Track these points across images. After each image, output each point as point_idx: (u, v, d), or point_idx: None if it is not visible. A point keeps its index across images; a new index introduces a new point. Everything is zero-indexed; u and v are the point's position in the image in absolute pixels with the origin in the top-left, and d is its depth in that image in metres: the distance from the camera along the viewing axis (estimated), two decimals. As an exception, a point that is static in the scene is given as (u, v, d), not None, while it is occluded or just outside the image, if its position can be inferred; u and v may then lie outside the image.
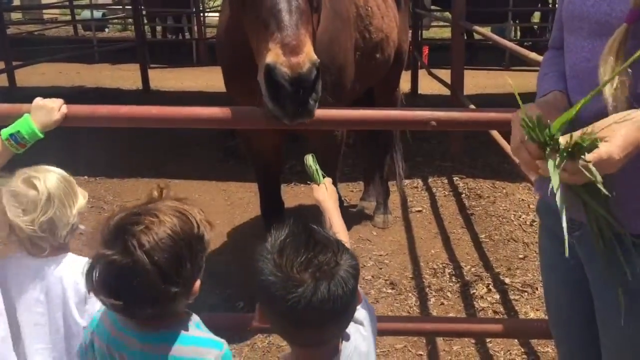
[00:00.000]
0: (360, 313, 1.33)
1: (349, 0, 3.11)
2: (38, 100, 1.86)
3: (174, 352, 1.29)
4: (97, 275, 1.24)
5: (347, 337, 1.26)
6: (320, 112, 1.84)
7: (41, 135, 1.82)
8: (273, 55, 1.86)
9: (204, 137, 6.54)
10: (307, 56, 1.85)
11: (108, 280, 1.23)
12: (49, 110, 1.83)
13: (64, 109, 1.85)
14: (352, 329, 1.28)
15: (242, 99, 2.80)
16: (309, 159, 1.74)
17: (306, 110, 1.87)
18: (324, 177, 1.72)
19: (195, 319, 1.39)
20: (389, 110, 1.83)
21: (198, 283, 1.32)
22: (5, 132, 1.76)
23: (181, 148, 6.26)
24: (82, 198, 1.77)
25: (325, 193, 1.67)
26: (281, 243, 1.17)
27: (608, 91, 1.22)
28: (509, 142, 4.46)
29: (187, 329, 1.34)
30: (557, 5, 1.59)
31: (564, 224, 1.19)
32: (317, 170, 1.73)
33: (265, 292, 1.15)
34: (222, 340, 1.37)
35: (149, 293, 1.22)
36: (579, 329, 1.57)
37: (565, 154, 1.14)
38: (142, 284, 1.20)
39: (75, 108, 1.84)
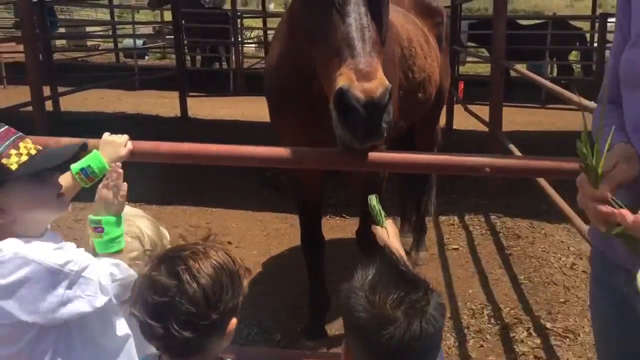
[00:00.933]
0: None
1: (394, 41, 3.17)
2: (106, 136, 1.93)
3: None
4: (140, 297, 1.28)
5: None
6: (376, 155, 1.87)
7: (108, 169, 1.89)
8: (346, 79, 1.88)
9: (242, 166, 6.62)
10: (380, 81, 1.87)
11: (151, 301, 1.25)
12: (116, 146, 1.90)
13: (130, 144, 1.92)
14: None
15: (288, 131, 2.85)
16: (373, 200, 1.74)
17: (378, 132, 1.87)
18: (386, 218, 1.73)
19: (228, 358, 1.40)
20: (444, 156, 1.85)
21: (234, 321, 1.32)
22: (76, 167, 1.83)
23: (219, 177, 6.35)
24: (166, 233, 1.84)
25: (386, 235, 1.69)
26: (372, 280, 1.20)
27: None
28: (547, 181, 4.40)
29: None
30: (609, 61, 1.58)
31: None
32: (380, 211, 1.73)
33: (356, 328, 1.18)
34: None
35: (190, 315, 1.23)
36: None
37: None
38: (184, 306, 1.23)
39: (139, 144, 1.91)
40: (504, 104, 6.87)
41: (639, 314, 1.43)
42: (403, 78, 3.30)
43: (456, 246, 4.75)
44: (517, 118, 9.62)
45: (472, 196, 5.88)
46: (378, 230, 1.72)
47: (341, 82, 1.89)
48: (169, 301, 1.24)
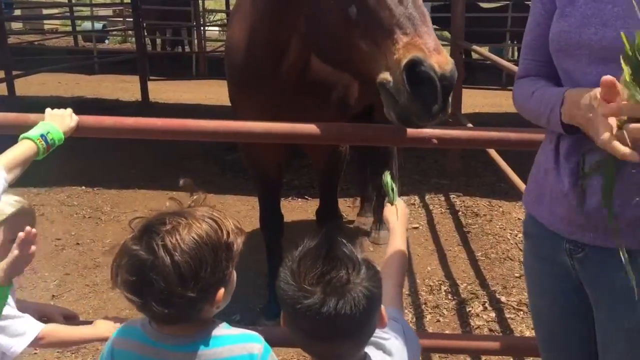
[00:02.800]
0: (392, 343, 1.31)
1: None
2: (49, 110, 1.88)
3: (214, 355, 1.29)
4: (121, 270, 1.25)
5: None
6: (324, 128, 1.87)
7: (63, 139, 1.84)
8: (418, 51, 1.74)
9: (201, 150, 6.57)
10: (448, 57, 1.77)
11: (130, 276, 1.24)
12: (62, 118, 1.85)
13: (75, 117, 1.87)
14: (378, 357, 1.28)
15: (250, 114, 2.82)
16: (387, 176, 1.66)
17: (446, 109, 1.76)
18: (397, 197, 1.65)
19: (222, 322, 1.38)
20: (390, 127, 1.85)
21: (222, 291, 1.29)
22: (35, 134, 1.75)
23: (179, 161, 6.28)
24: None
25: (394, 214, 1.62)
26: (301, 254, 1.20)
27: None
28: (506, 162, 4.45)
29: (219, 331, 1.33)
30: (526, 35, 1.56)
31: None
32: (392, 188, 1.65)
33: (281, 298, 1.18)
34: (257, 334, 1.36)
35: (165, 293, 1.21)
36: (573, 353, 1.57)
37: None
38: (160, 283, 1.21)
39: (82, 118, 1.87)
40: (465, 86, 6.94)
41: (585, 280, 1.43)
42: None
43: (416, 225, 4.80)
44: (478, 100, 9.73)
45: (433, 176, 5.94)
46: (387, 208, 1.65)
47: (414, 52, 1.74)
48: (146, 279, 1.22)
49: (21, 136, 1.77)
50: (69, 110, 1.89)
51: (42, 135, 1.76)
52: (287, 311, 1.18)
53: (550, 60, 1.49)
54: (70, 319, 1.95)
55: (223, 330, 1.34)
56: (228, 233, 1.30)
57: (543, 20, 1.49)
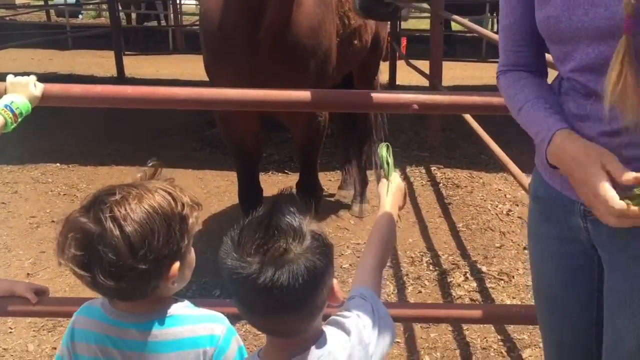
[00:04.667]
0: (352, 321, 1.24)
1: (329, -16, 3.08)
2: (11, 77, 1.79)
3: (173, 336, 1.25)
4: (68, 244, 1.18)
5: (323, 341, 1.19)
6: (299, 94, 1.80)
7: (30, 108, 1.76)
8: None
9: (180, 125, 6.46)
10: None
11: (78, 250, 1.17)
12: (25, 85, 1.76)
13: (40, 84, 1.79)
14: (335, 335, 1.21)
15: (227, 83, 2.74)
16: (383, 149, 1.57)
17: None
18: (394, 171, 1.56)
19: (184, 302, 1.33)
20: (371, 93, 1.79)
21: (176, 266, 1.23)
22: None
23: (157, 136, 6.17)
24: None
25: (385, 189, 1.52)
26: (244, 222, 1.13)
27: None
28: (486, 132, 4.42)
29: (181, 310, 1.28)
30: (502, 20, 1.46)
31: None
32: (387, 161, 1.56)
33: (221, 268, 1.11)
34: (221, 315, 1.31)
35: (115, 266, 1.15)
36: (574, 318, 1.54)
37: None
38: (109, 255, 1.14)
39: (48, 87, 1.78)
40: (445, 58, 6.89)
41: (599, 242, 1.38)
42: (339, 24, 3.24)
43: (397, 198, 4.77)
44: (459, 73, 9.71)
45: (414, 149, 5.92)
46: (381, 182, 1.56)
47: None
48: (94, 252, 1.16)
49: None
50: (33, 77, 1.80)
51: (5, 106, 1.69)
52: (228, 282, 1.11)
53: (532, 43, 1.42)
54: (41, 294, 1.89)
55: (185, 309, 1.29)
56: (183, 205, 1.24)
57: (518, 3, 1.40)
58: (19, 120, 1.73)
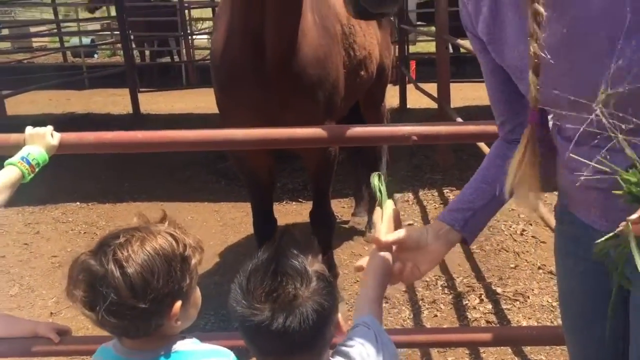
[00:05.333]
0: (356, 350, 1.28)
1: (335, 18, 3.18)
2: (29, 129, 1.90)
3: None
4: (77, 285, 1.25)
5: None
6: (302, 131, 1.88)
7: (47, 158, 1.86)
8: None
9: (195, 160, 6.58)
10: None
11: (84, 291, 1.24)
12: (42, 136, 1.87)
13: (56, 134, 1.89)
14: None
15: (237, 117, 2.83)
16: (375, 178, 1.60)
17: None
18: (387, 199, 1.57)
19: (191, 338, 1.38)
20: (370, 127, 1.86)
21: (178, 305, 1.28)
22: (15, 158, 1.78)
23: (172, 171, 6.29)
24: None
25: (379, 217, 1.52)
26: (252, 268, 1.18)
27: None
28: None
29: (187, 346, 1.34)
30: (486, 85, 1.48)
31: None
32: (380, 190, 1.58)
33: (232, 314, 1.17)
34: (226, 350, 1.36)
35: (116, 305, 1.22)
36: (601, 333, 1.55)
37: None
38: (111, 295, 1.21)
39: (65, 136, 1.88)
40: (454, 80, 6.96)
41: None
42: (345, 56, 3.32)
43: (411, 222, 4.82)
44: (468, 94, 9.76)
45: (426, 172, 5.96)
46: (376, 211, 1.58)
47: None
48: (97, 291, 1.22)
49: (5, 162, 1.80)
50: (50, 128, 1.91)
51: (22, 158, 1.79)
52: (239, 327, 1.17)
53: (510, 113, 1.46)
54: (63, 333, 1.96)
55: (191, 345, 1.34)
56: (185, 246, 1.30)
57: (491, 66, 1.42)
58: (37, 170, 1.82)
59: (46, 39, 19.02)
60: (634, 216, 1.07)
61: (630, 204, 1.11)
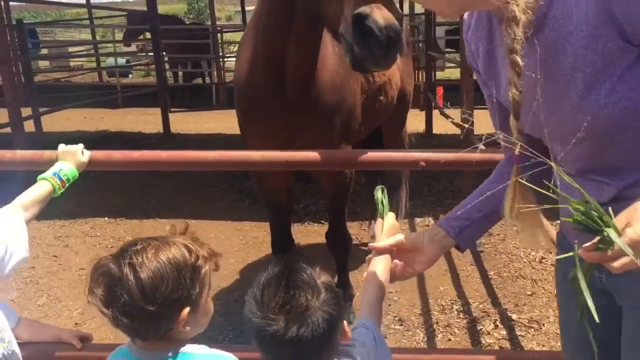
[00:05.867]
0: (356, 350, 1.38)
1: (353, 46, 3.29)
2: (62, 147, 2.04)
3: None
4: (97, 285, 1.36)
5: None
6: (312, 154, 1.98)
7: (77, 174, 2.00)
8: (366, 8, 1.99)
9: (220, 178, 6.73)
10: (396, 10, 2.01)
11: (102, 290, 1.35)
12: (74, 153, 2.02)
13: (87, 152, 2.03)
14: None
15: (257, 139, 2.96)
16: (378, 192, 1.74)
17: (392, 57, 1.99)
18: (388, 212, 1.69)
19: (200, 345, 1.47)
20: (379, 152, 1.95)
21: (186, 311, 1.37)
22: (48, 173, 1.92)
23: (198, 189, 6.45)
24: None
25: (380, 228, 1.65)
26: (264, 281, 1.28)
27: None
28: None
29: (195, 350, 1.43)
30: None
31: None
32: (382, 203, 1.70)
33: (247, 324, 1.27)
34: (231, 355, 1.45)
35: (128, 306, 1.32)
36: (598, 357, 1.61)
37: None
38: (124, 296, 1.31)
39: (94, 154, 2.02)
40: (478, 107, 6.99)
41: (611, 287, 1.45)
42: (364, 82, 3.43)
43: (430, 246, 4.85)
44: (495, 120, 9.76)
45: (448, 197, 5.99)
46: (377, 222, 1.69)
47: (361, 9, 2.00)
48: (112, 292, 1.33)
49: (38, 177, 1.94)
50: (81, 146, 2.05)
51: (54, 174, 1.93)
52: (254, 337, 1.26)
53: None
54: (85, 340, 2.07)
55: (197, 349, 1.44)
56: (197, 257, 1.39)
57: (492, 99, 1.51)
58: (67, 185, 1.96)
59: (83, 59, 19.63)
60: (585, 245, 1.15)
61: (580, 232, 1.19)
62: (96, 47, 15.82)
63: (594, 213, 1.15)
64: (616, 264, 1.13)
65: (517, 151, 1.29)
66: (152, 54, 14.09)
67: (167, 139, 9.41)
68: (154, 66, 13.70)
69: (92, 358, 2.15)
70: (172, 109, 10.79)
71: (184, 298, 1.37)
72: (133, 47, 17.69)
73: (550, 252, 4.52)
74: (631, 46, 1.18)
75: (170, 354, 1.41)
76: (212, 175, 6.67)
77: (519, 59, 1.22)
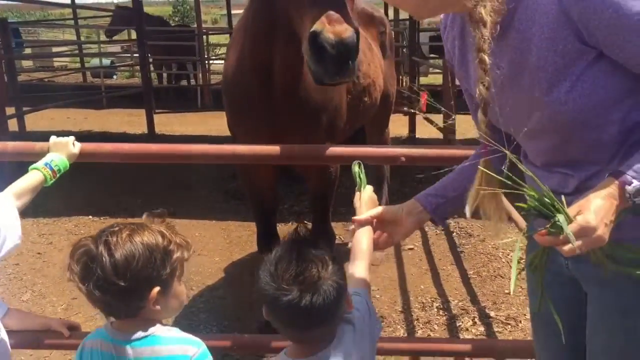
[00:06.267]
0: (354, 315, 1.52)
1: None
2: (53, 138, 2.09)
3: (154, 353, 1.49)
4: (75, 261, 1.49)
5: (337, 335, 1.47)
6: (296, 148, 2.05)
7: (68, 165, 2.05)
8: (319, 24, 2.09)
9: (206, 178, 6.77)
10: (350, 25, 2.08)
11: (79, 266, 1.48)
12: (65, 145, 2.07)
13: (77, 144, 2.09)
14: (344, 327, 1.50)
15: (246, 138, 3.03)
16: (355, 166, 1.84)
17: (347, 69, 2.08)
18: (366, 185, 1.81)
19: (172, 328, 1.57)
20: (363, 147, 2.04)
21: (155, 290, 1.48)
22: (39, 163, 1.97)
23: (185, 189, 6.48)
24: None
25: (358, 200, 1.77)
26: (277, 256, 1.41)
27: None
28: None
29: (164, 332, 1.53)
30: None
31: None
32: (359, 176, 1.82)
33: (262, 296, 1.40)
34: (199, 340, 1.55)
35: (101, 281, 1.44)
36: (567, 340, 1.70)
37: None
38: (98, 271, 1.44)
39: (85, 145, 2.08)
40: (461, 112, 7.11)
41: (578, 275, 1.54)
42: (350, 83, 3.51)
43: (412, 246, 4.95)
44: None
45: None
46: (356, 195, 1.81)
47: (315, 26, 2.10)
48: (88, 267, 1.47)
49: (30, 167, 1.99)
50: (72, 138, 2.10)
51: (46, 164, 1.98)
52: (269, 307, 1.40)
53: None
54: (73, 329, 2.13)
55: (166, 331, 1.54)
56: (169, 242, 1.51)
57: (469, 94, 1.61)
58: (57, 176, 2.01)
59: (67, 59, 19.53)
60: (539, 229, 1.28)
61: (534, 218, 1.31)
62: (80, 47, 15.75)
63: (547, 200, 1.26)
64: (566, 247, 1.23)
65: (480, 142, 1.38)
66: (137, 55, 14.11)
67: (152, 140, 9.40)
68: (138, 67, 13.70)
69: (79, 345, 2.20)
70: (157, 111, 10.78)
71: (153, 277, 1.48)
72: (117, 48, 17.66)
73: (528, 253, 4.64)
74: (589, 48, 1.28)
75: (139, 333, 1.50)
76: (199, 175, 6.72)
77: (486, 58, 1.32)
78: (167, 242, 1.51)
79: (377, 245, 1.71)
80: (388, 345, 2.10)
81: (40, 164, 1.97)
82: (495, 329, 3.56)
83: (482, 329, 3.58)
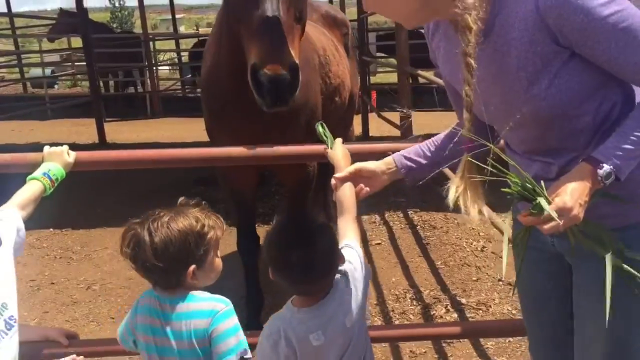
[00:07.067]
0: (346, 266, 1.72)
1: (312, 49, 3.47)
2: (47, 149, 2.09)
3: (188, 309, 1.68)
4: (126, 243, 1.69)
5: (336, 284, 1.70)
6: (284, 149, 2.16)
7: (64, 174, 2.08)
8: (258, 59, 2.35)
9: (169, 185, 6.71)
10: (287, 60, 2.32)
11: (128, 248, 1.68)
12: (60, 154, 2.07)
13: (72, 153, 2.09)
14: (338, 279, 1.71)
15: (225, 140, 3.06)
16: (319, 127, 2.02)
17: (283, 101, 2.38)
18: (333, 140, 2.00)
19: (206, 292, 1.74)
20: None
21: (192, 268, 1.66)
22: (38, 173, 1.99)
23: (145, 196, 6.39)
24: None
25: (337, 155, 1.95)
26: (277, 226, 1.69)
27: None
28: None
29: (199, 293, 1.72)
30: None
31: None
32: (325, 134, 2.00)
33: (268, 259, 1.66)
34: (228, 300, 1.71)
35: (144, 262, 1.65)
36: (552, 313, 1.82)
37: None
38: (141, 254, 1.65)
39: (79, 154, 2.10)
40: (415, 109, 7.32)
41: (564, 251, 1.66)
42: (322, 84, 3.61)
43: (379, 241, 5.08)
44: (430, 122, 10.17)
45: (390, 195, 6.24)
46: (329, 152, 1.98)
47: (254, 59, 2.37)
48: (134, 250, 1.67)
49: (28, 177, 2.00)
50: (66, 147, 2.11)
51: (44, 174, 1.99)
52: (275, 268, 1.64)
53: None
54: (71, 337, 2.15)
55: (200, 293, 1.72)
56: (203, 226, 1.69)
57: (451, 90, 1.80)
58: (55, 185, 2.02)
59: (4, 70, 18.84)
60: (522, 211, 1.46)
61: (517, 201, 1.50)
62: (20, 57, 15.25)
63: (528, 185, 1.43)
64: (546, 226, 1.41)
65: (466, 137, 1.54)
66: (78, 63, 13.76)
67: (103, 149, 9.22)
68: (80, 76, 13.37)
69: (78, 353, 2.21)
70: (107, 119, 10.58)
71: (189, 258, 1.66)
72: (57, 57, 17.16)
73: (490, 242, 4.85)
74: (563, 48, 1.45)
75: (181, 296, 1.69)
76: (162, 182, 6.63)
77: (472, 61, 1.47)
78: (200, 226, 1.68)
79: (359, 198, 1.88)
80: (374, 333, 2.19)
81: (38, 173, 1.97)
82: (468, 315, 3.72)
83: (455, 315, 3.73)
